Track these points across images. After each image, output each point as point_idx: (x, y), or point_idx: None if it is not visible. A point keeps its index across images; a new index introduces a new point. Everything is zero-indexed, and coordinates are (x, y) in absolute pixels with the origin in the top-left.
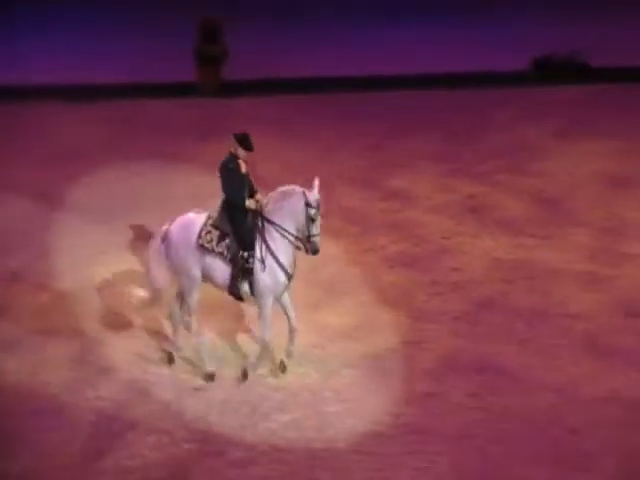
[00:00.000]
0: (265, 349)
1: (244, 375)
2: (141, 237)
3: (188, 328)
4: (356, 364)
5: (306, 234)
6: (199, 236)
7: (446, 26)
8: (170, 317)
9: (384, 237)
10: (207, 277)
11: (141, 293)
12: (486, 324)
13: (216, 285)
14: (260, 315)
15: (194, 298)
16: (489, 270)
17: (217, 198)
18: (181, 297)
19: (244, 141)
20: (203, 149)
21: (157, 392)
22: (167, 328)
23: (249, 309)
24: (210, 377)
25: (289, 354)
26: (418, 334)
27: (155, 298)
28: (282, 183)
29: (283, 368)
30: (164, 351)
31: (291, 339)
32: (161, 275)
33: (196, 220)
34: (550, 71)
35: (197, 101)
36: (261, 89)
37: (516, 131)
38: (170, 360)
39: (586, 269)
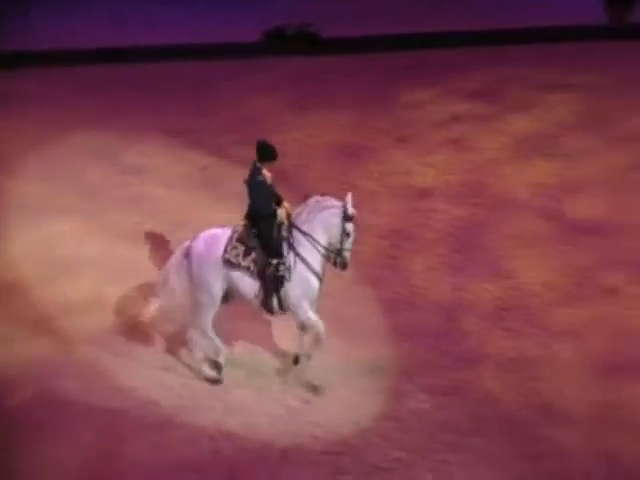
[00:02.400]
0: (319, 338)
1: (295, 361)
2: None
3: (216, 352)
4: (96, 340)
5: (338, 247)
6: (225, 251)
7: None
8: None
9: (120, 213)
10: (234, 292)
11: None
12: None
13: (244, 300)
14: (302, 322)
15: (209, 317)
16: None
17: None
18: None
19: (263, 151)
20: None
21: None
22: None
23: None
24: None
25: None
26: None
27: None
28: (16, 156)
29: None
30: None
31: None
32: (179, 290)
33: (221, 235)
34: (282, 42)
35: None
36: None
37: (249, 103)
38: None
39: None
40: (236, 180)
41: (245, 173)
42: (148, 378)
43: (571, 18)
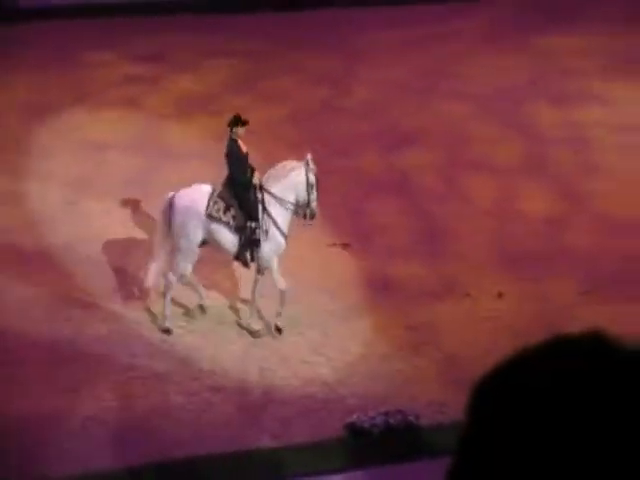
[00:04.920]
0: (284, 297)
1: (277, 330)
2: None
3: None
4: None
5: (306, 201)
6: (208, 205)
7: None
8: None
9: None
10: (211, 243)
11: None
12: None
13: (221, 251)
14: (271, 274)
15: (189, 265)
16: None
17: None
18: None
19: (237, 121)
20: None
21: None
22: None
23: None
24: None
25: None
26: None
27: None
28: None
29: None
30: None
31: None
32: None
33: (204, 190)
34: None
35: None
36: None
37: None
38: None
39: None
40: None
41: None
42: None
43: None
